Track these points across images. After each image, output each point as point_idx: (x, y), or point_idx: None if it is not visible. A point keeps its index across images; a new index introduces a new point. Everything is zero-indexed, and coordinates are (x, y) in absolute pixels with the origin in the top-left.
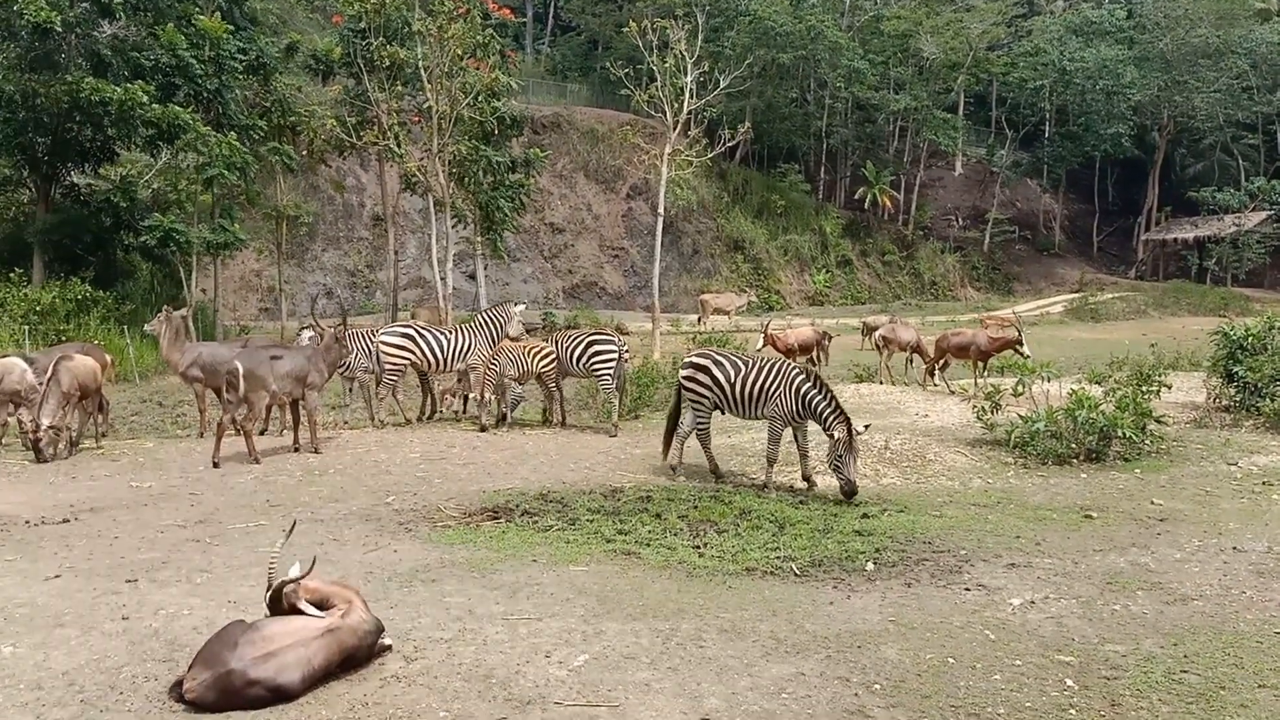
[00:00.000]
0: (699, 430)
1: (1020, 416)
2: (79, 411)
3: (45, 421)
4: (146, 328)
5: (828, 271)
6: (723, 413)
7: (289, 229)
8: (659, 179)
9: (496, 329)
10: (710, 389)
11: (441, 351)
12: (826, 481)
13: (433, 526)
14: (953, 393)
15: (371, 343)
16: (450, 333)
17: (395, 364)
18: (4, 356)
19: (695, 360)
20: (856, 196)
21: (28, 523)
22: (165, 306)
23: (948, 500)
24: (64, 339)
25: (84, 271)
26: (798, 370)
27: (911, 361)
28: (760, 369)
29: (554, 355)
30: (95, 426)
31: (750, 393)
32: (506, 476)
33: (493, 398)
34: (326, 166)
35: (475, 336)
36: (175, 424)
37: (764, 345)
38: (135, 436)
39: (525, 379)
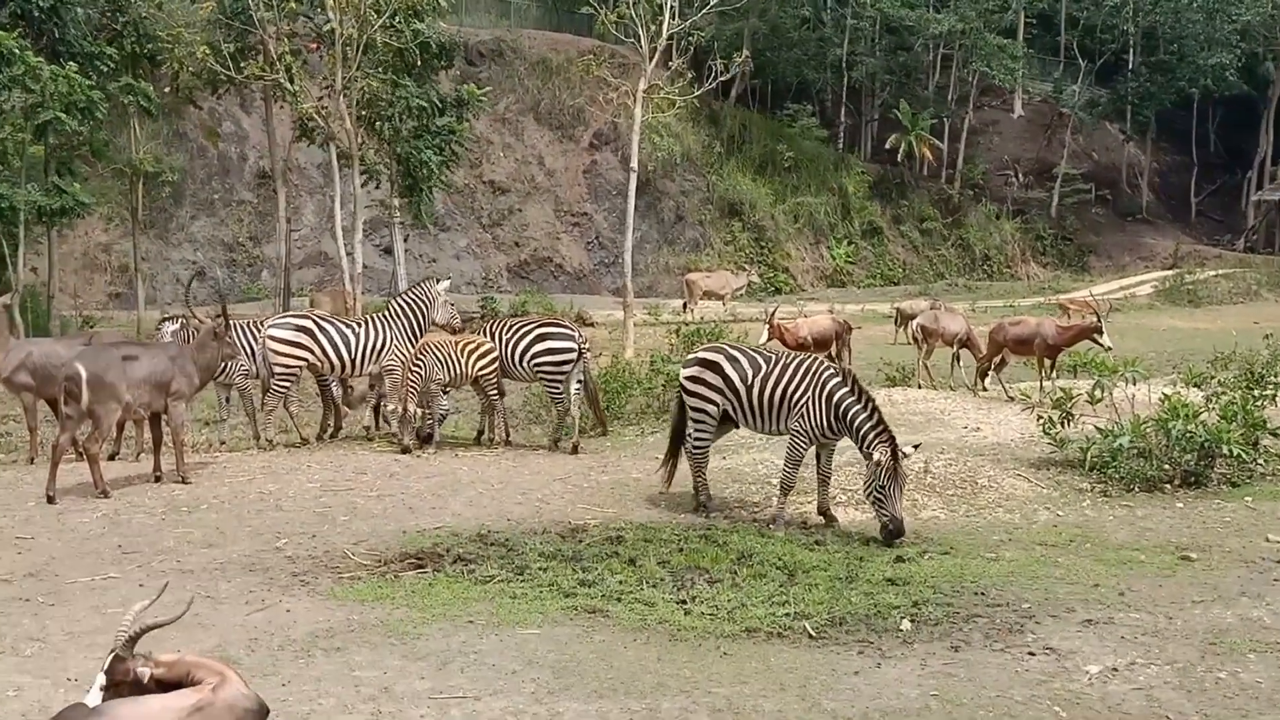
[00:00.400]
0: (697, 448)
1: (1098, 430)
2: None
3: None
4: None
5: (850, 243)
6: (735, 425)
7: (147, 190)
8: (631, 124)
9: (418, 318)
10: (721, 394)
11: (347, 350)
12: (849, 515)
13: (337, 578)
14: (1012, 399)
15: (255, 339)
16: (359, 325)
17: (287, 367)
18: None
19: (704, 356)
20: (888, 146)
21: None
22: None
23: (1006, 539)
24: None
25: None
26: (831, 371)
27: (959, 359)
28: (785, 368)
29: (495, 353)
30: None
31: (771, 399)
32: (434, 512)
33: (416, 410)
34: (196, 109)
35: (391, 329)
36: None
37: (768, 339)
38: None
39: (458, 384)
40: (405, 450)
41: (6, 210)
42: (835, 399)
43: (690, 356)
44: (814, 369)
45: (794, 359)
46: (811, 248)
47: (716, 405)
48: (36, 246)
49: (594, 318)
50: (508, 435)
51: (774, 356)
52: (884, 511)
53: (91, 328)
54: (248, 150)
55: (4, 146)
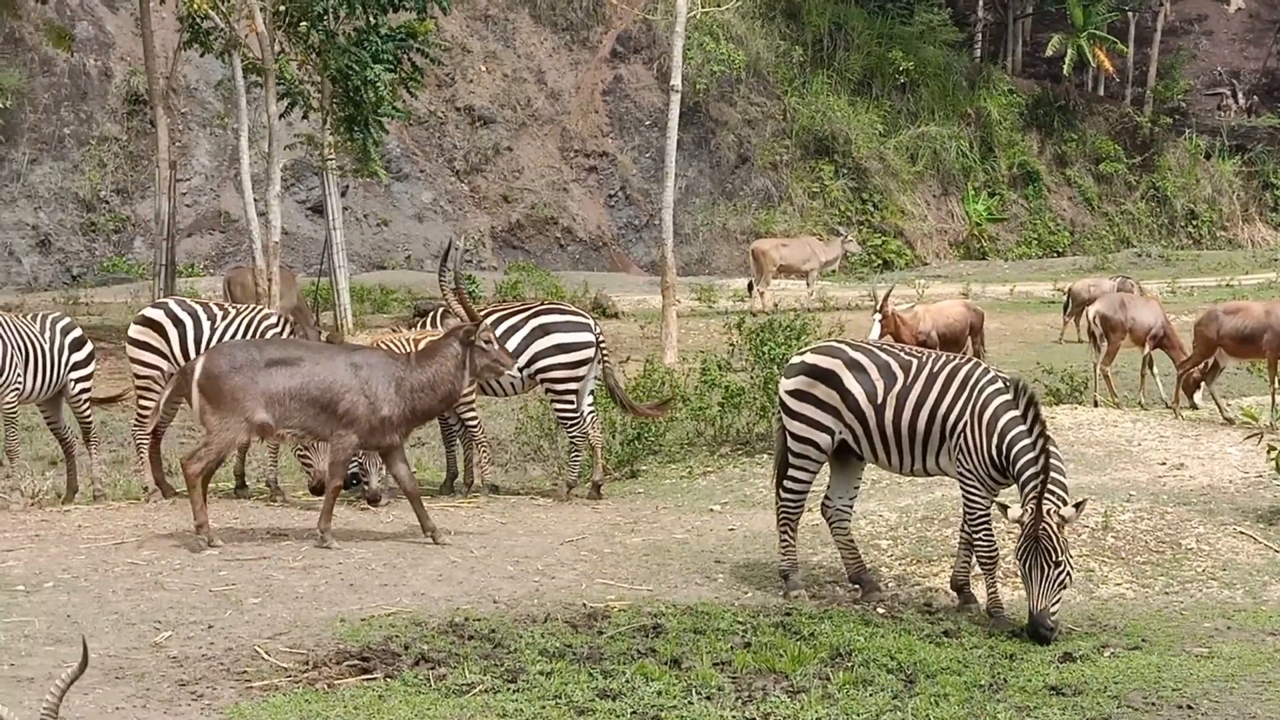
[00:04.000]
0: (790, 492)
1: None
2: None
3: None
4: None
5: (993, 194)
6: (860, 458)
7: None
8: (672, 23)
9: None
10: (837, 416)
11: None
12: (1006, 595)
13: (244, 689)
14: (1229, 422)
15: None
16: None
17: (145, 375)
18: None
19: (813, 362)
20: (1048, 54)
21: None
22: None
23: (1223, 626)
24: None
25: None
26: (991, 378)
27: (1153, 363)
28: (934, 377)
29: None
30: None
31: (913, 425)
32: (386, 591)
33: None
34: (39, 2)
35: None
36: None
37: (881, 334)
38: None
39: None
40: (373, 499)
41: None
42: (1001, 425)
43: (793, 361)
44: (972, 378)
45: (943, 362)
46: (937, 201)
47: (830, 433)
48: None
49: (618, 305)
50: (484, 477)
51: (915, 359)
52: (1046, 593)
53: None
54: (113, 63)
55: None
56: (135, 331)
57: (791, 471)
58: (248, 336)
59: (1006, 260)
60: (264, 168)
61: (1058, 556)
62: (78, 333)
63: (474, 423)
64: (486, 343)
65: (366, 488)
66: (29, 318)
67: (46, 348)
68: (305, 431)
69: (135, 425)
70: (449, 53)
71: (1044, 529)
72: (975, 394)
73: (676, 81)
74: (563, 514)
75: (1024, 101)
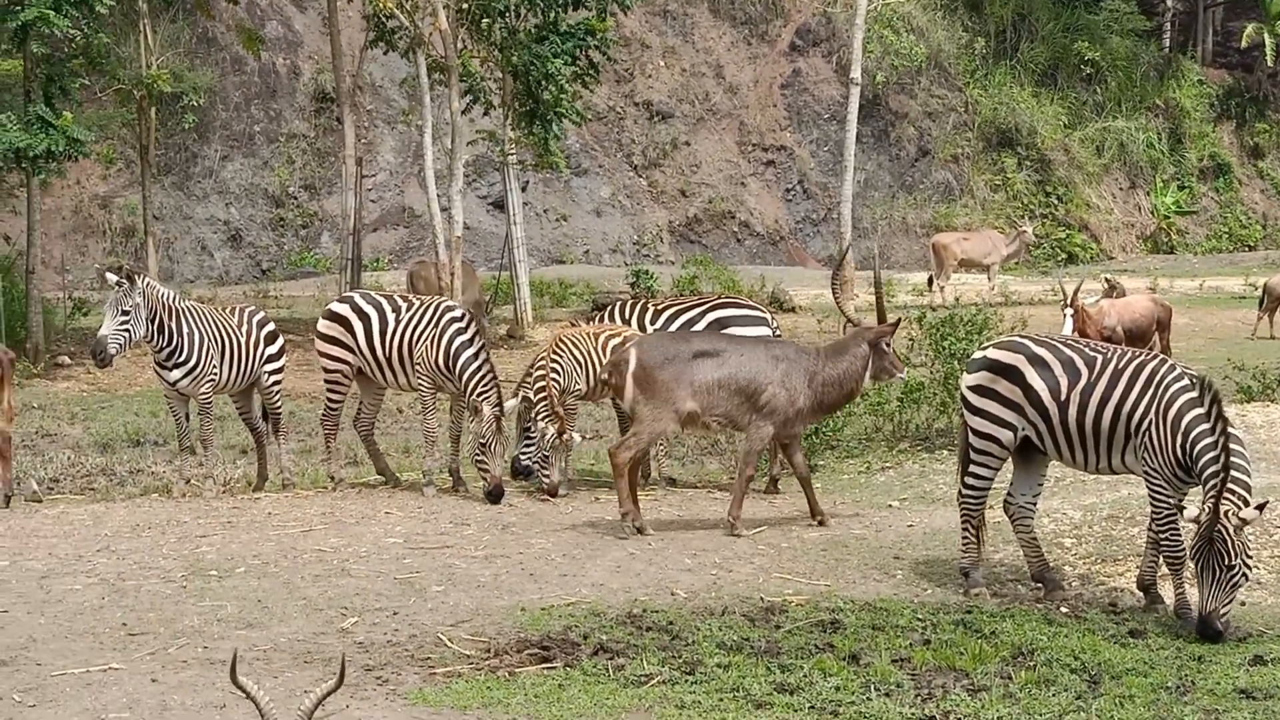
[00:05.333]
0: (971, 489)
1: None
2: None
3: None
4: None
5: (1183, 188)
6: (1044, 454)
7: (161, 120)
8: (852, 14)
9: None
10: (1019, 413)
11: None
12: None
13: (428, 674)
14: None
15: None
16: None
17: (333, 369)
18: None
19: (995, 358)
20: (1242, 44)
21: None
22: None
23: None
24: None
25: None
26: (1176, 375)
27: None
28: (1119, 373)
29: None
30: None
31: (1098, 423)
32: (566, 582)
33: (557, 432)
34: (230, 3)
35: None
36: None
37: (1073, 329)
38: None
39: (599, 396)
40: (552, 492)
41: None
42: (1184, 422)
43: (976, 356)
44: (1157, 374)
45: (1129, 358)
46: (1124, 195)
47: (1013, 430)
48: (11, 202)
49: (795, 299)
50: (659, 470)
51: (1100, 355)
52: (1218, 596)
53: (84, 314)
54: (301, 61)
55: None
56: (323, 326)
57: (973, 468)
58: (431, 329)
59: (1195, 254)
60: (446, 164)
61: (1231, 559)
62: (271, 326)
63: None
64: (887, 346)
65: (546, 480)
66: (226, 311)
67: (242, 340)
68: (726, 420)
69: (324, 416)
70: (628, 48)
71: (1219, 530)
72: (1160, 391)
73: (856, 74)
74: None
75: (1215, 92)
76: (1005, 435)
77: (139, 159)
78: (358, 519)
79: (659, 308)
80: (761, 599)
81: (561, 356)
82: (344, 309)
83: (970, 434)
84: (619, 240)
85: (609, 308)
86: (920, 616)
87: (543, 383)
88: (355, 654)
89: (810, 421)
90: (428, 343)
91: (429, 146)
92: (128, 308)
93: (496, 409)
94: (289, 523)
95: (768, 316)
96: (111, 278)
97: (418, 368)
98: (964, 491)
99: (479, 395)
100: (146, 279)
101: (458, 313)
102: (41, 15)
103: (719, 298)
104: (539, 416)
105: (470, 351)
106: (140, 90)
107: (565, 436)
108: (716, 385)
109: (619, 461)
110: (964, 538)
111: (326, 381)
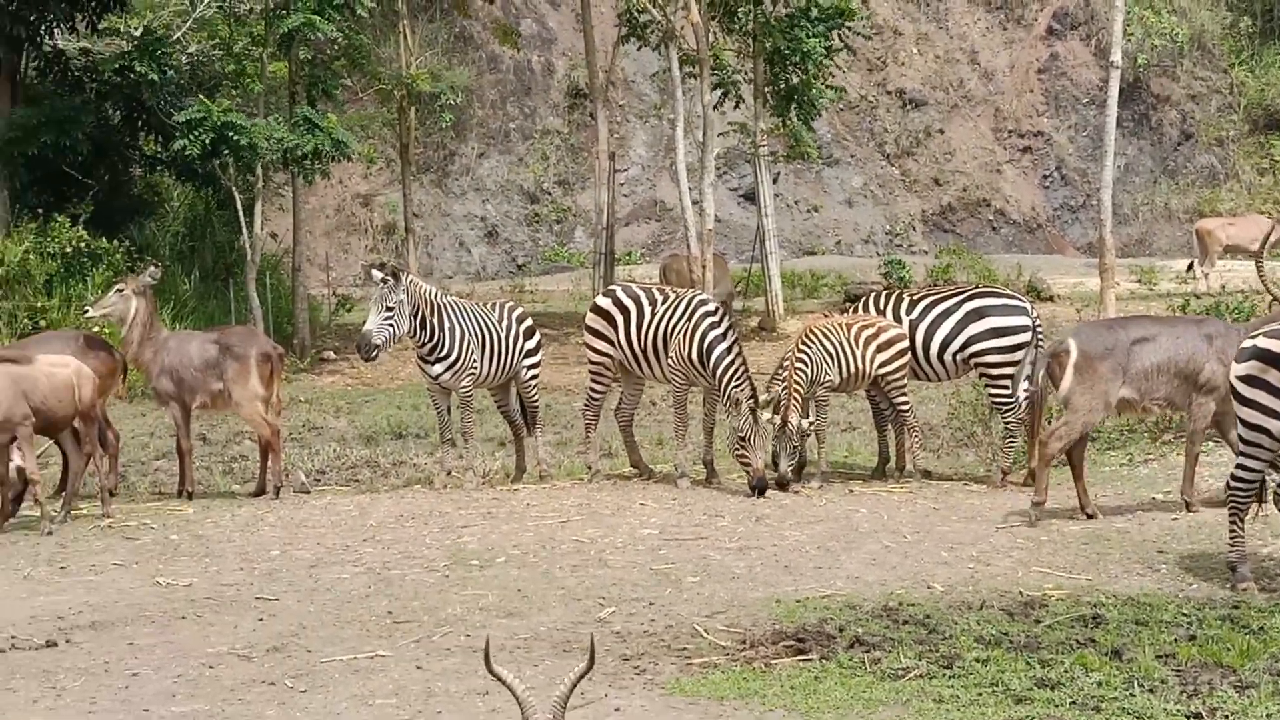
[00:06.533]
0: (1241, 480)
1: None
2: (72, 451)
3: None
4: (93, 310)
5: None
6: None
7: (421, 119)
8: None
9: None
10: None
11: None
12: None
13: (685, 665)
14: None
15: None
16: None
17: (596, 361)
18: None
19: (1266, 347)
20: None
21: None
22: (125, 272)
23: None
24: (42, 325)
25: (76, 205)
26: None
27: None
28: None
29: (905, 342)
30: (100, 478)
31: None
32: (821, 574)
33: (801, 420)
34: (487, 1)
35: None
36: (230, 474)
37: None
38: (163, 495)
39: (851, 388)
40: (782, 485)
41: (243, 149)
42: None
43: (1245, 345)
44: None
45: None
46: None
47: None
48: (278, 201)
49: (1053, 288)
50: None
51: None
52: None
53: (348, 309)
54: (554, 58)
55: (239, 65)
56: (590, 319)
57: (1242, 459)
58: (684, 322)
59: None
60: (698, 157)
61: None
62: (529, 321)
63: (906, 407)
64: None
65: (810, 474)
66: (487, 306)
67: (502, 335)
68: (1166, 403)
69: (584, 407)
70: (880, 35)
71: None
72: None
73: (1116, 57)
74: (997, 501)
75: None
76: (1276, 426)
77: (399, 158)
78: (613, 510)
79: (914, 298)
80: (1020, 593)
81: (810, 347)
82: (607, 302)
83: (1240, 425)
84: (871, 230)
85: (862, 298)
86: (1185, 611)
87: (785, 372)
88: (613, 644)
89: None
90: (682, 335)
91: (680, 140)
92: (392, 304)
93: (751, 400)
94: (547, 514)
95: (1027, 306)
96: (377, 275)
97: (671, 360)
98: (1232, 484)
99: (733, 388)
100: (410, 276)
101: (711, 306)
102: (307, 20)
103: (976, 287)
104: (777, 405)
105: (724, 345)
106: (400, 90)
107: (797, 425)
108: (1155, 370)
109: (1049, 451)
110: (1232, 532)
111: (590, 373)
